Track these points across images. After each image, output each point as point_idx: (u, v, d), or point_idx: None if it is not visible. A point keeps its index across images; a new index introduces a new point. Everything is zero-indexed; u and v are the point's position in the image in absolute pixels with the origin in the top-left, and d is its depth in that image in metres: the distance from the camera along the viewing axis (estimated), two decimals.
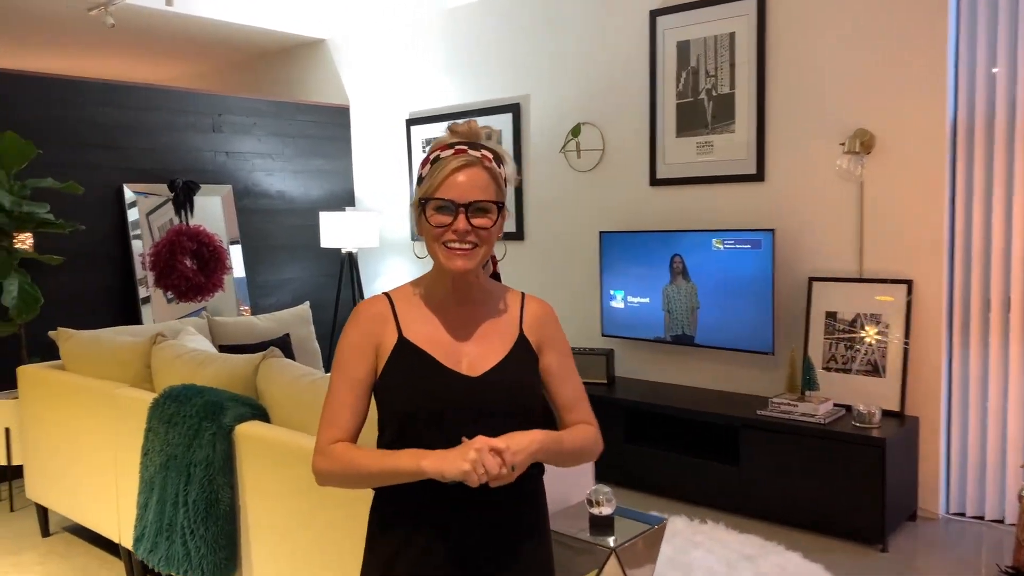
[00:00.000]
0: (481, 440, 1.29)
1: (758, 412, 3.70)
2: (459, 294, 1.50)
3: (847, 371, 3.74)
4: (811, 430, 3.49)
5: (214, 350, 3.34)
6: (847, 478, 3.39)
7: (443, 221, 1.40)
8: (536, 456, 1.36)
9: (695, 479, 3.87)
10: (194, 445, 2.59)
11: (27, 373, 3.65)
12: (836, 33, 3.80)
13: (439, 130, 5.36)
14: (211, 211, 5.26)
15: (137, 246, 4.89)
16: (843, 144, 3.74)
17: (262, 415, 2.66)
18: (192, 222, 5.06)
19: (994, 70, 3.50)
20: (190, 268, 4.90)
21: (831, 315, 3.81)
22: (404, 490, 1.40)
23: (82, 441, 3.31)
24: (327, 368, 4.66)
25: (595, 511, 2.25)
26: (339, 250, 5.70)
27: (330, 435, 1.43)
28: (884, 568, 3.22)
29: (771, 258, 3.86)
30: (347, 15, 5.72)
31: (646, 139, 4.50)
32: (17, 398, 3.80)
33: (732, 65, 4.12)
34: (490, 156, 1.43)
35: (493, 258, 1.60)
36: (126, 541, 3.08)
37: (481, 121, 1.45)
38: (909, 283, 3.62)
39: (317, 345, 4.91)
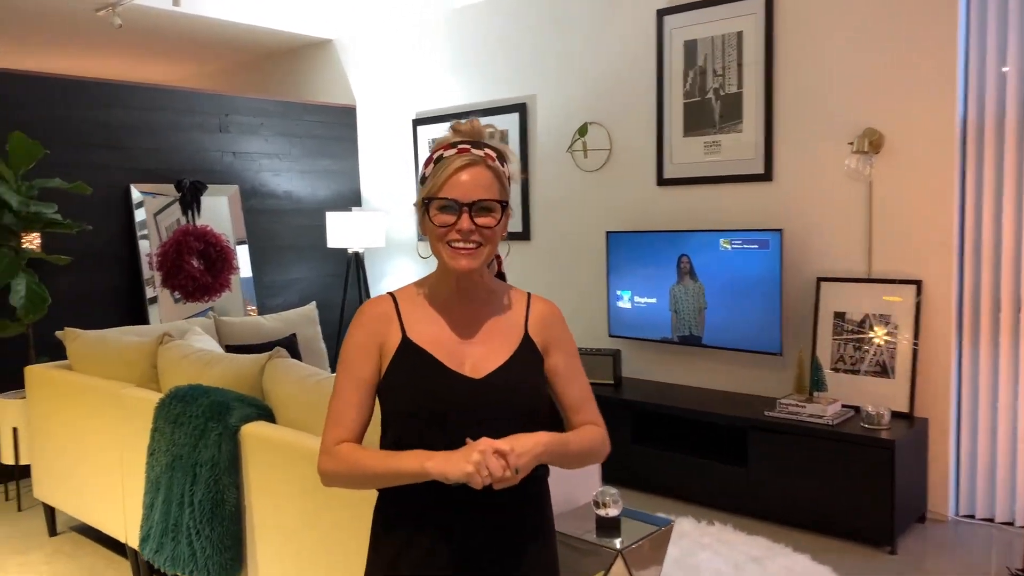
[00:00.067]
0: (485, 442, 1.29)
1: (766, 413, 3.68)
2: (463, 294, 1.49)
3: (856, 372, 3.72)
4: (819, 431, 3.47)
5: (220, 350, 3.35)
6: (855, 480, 3.37)
7: (447, 221, 1.39)
8: (541, 458, 1.34)
9: (702, 480, 3.85)
10: (200, 445, 2.58)
11: (34, 373, 3.66)
12: (845, 32, 3.78)
13: (445, 130, 5.35)
14: (218, 211, 5.26)
15: (144, 246, 4.89)
16: (852, 144, 3.72)
17: (268, 415, 2.66)
18: (199, 222, 5.07)
19: (1004, 69, 3.47)
20: (197, 268, 4.91)
21: (840, 316, 3.78)
22: (407, 491, 1.40)
23: (88, 441, 3.31)
24: (333, 368, 4.66)
25: (602, 512, 2.24)
26: (346, 250, 5.71)
27: (335, 435, 1.43)
28: (893, 570, 3.20)
29: (779, 258, 3.84)
30: (354, 15, 5.72)
31: (653, 139, 4.48)
32: (24, 398, 3.81)
33: (740, 64, 4.11)
34: (493, 155, 1.42)
35: (498, 257, 1.59)
36: (132, 541, 3.09)
37: (487, 121, 1.44)
38: (918, 283, 3.60)
39: (323, 345, 4.91)
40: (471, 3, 5.27)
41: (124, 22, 5.29)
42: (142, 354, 3.26)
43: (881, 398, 3.60)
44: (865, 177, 3.74)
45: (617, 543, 2.16)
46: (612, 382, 4.40)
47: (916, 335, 3.57)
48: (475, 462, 1.26)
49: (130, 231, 4.88)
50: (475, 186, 1.39)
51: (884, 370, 3.64)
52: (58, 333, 3.68)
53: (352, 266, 5.62)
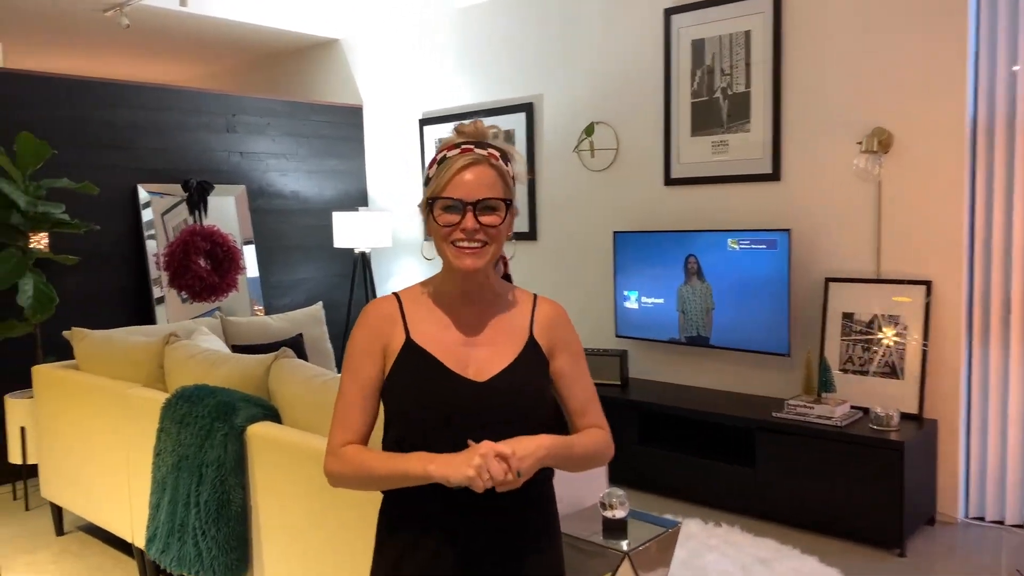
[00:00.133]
0: (487, 445, 1.28)
1: (774, 414, 3.66)
2: (469, 294, 1.48)
3: (864, 373, 3.70)
4: (828, 433, 3.45)
5: (227, 350, 3.35)
6: (864, 481, 3.35)
7: (451, 220, 1.39)
8: (544, 461, 1.34)
9: (710, 481, 3.83)
10: (206, 446, 2.58)
11: (42, 373, 3.67)
12: (854, 31, 3.75)
13: (451, 130, 5.36)
14: (225, 211, 5.27)
15: (151, 246, 4.91)
16: (860, 143, 3.70)
17: (274, 416, 2.65)
18: (206, 222, 5.08)
19: (1015, 68, 3.44)
20: (204, 268, 4.91)
21: (848, 316, 3.76)
22: (411, 494, 1.39)
23: (95, 441, 3.32)
24: (339, 368, 4.65)
25: (608, 514, 2.23)
26: (352, 250, 5.71)
27: (341, 437, 1.43)
28: (902, 573, 3.18)
29: (787, 258, 3.82)
30: (360, 15, 5.72)
31: (660, 138, 4.46)
32: (32, 397, 3.82)
33: (748, 64, 4.09)
34: (497, 154, 1.42)
35: (504, 258, 1.58)
36: (139, 541, 3.09)
37: (494, 121, 1.44)
38: (928, 284, 3.57)
39: (330, 345, 4.92)
40: (477, 3, 5.26)
41: (131, 22, 5.31)
42: (149, 354, 3.26)
43: (890, 399, 3.58)
44: (874, 177, 3.72)
45: (624, 545, 2.15)
46: (619, 383, 4.38)
47: (925, 336, 3.55)
48: (476, 466, 1.25)
49: (137, 231, 4.89)
50: (479, 185, 1.38)
51: (893, 371, 3.62)
52: (65, 333, 3.69)
53: (359, 266, 5.62)
